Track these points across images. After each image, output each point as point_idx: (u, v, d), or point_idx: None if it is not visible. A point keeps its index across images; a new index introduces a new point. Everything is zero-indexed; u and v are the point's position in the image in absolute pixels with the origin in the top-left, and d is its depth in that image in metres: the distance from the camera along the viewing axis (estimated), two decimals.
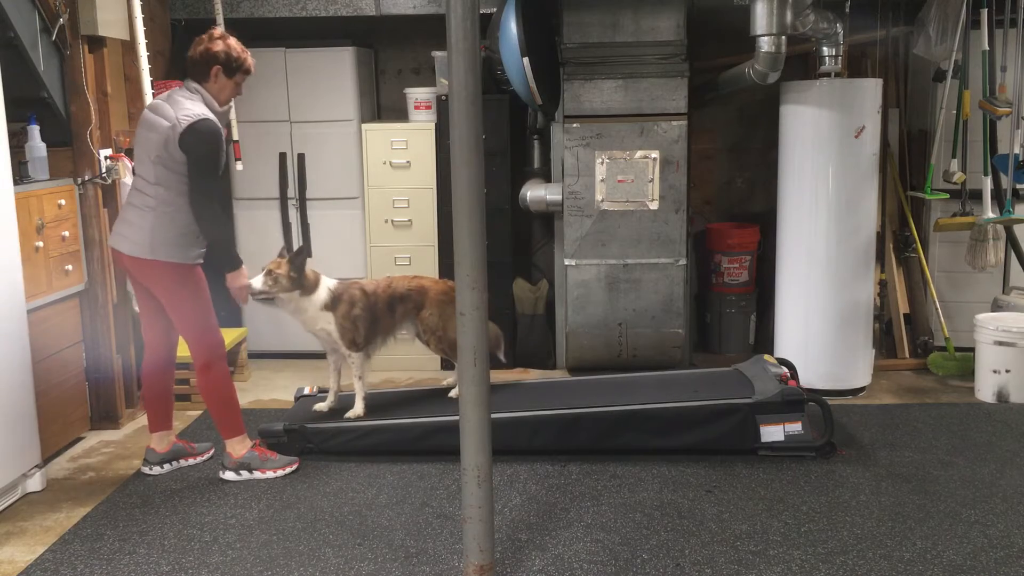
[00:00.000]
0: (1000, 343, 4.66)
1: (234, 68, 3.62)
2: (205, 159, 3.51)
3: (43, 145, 4.10)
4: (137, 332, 4.60)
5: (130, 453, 4.19)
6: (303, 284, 3.98)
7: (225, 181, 5.45)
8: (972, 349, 4.91)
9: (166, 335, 3.88)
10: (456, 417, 2.90)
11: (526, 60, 4.53)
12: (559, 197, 5.03)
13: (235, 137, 5.00)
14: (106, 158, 4.37)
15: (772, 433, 3.94)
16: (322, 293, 4.05)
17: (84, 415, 4.39)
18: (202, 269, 3.74)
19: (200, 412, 4.69)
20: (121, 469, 4.02)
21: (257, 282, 3.89)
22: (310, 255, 5.48)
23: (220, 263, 3.68)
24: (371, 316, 4.12)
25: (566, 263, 5.05)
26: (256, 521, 3.46)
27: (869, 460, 3.94)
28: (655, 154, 4.90)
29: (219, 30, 3.68)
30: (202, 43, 3.61)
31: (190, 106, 3.52)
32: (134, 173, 3.75)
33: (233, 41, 3.65)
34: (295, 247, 5.48)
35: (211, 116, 3.54)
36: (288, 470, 3.89)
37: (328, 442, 4.06)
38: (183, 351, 3.99)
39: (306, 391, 4.51)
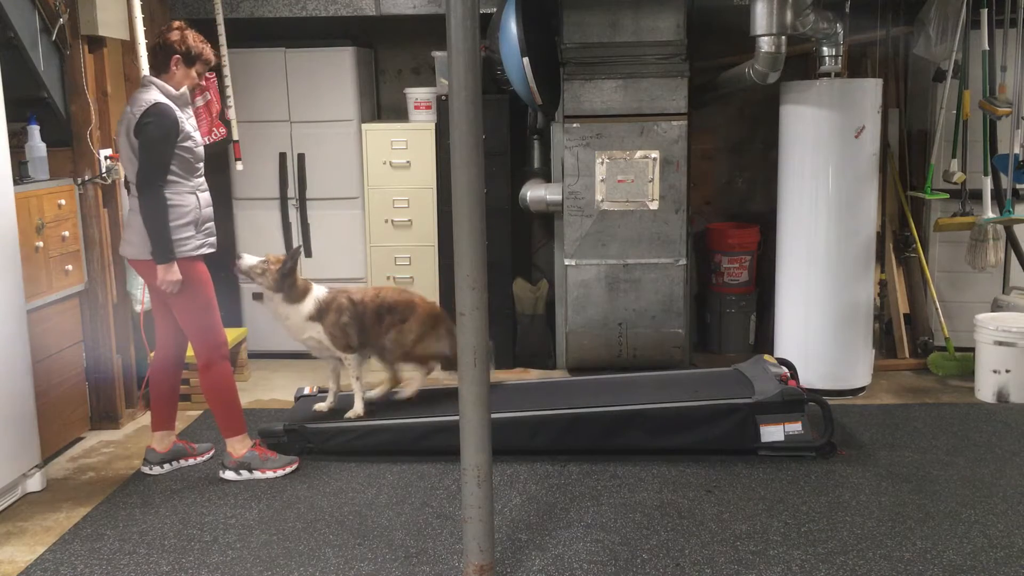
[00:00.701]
0: (1000, 343, 4.66)
1: (193, 58, 3.69)
2: (152, 139, 3.53)
3: (43, 145, 4.10)
4: (137, 332, 4.61)
5: (130, 453, 4.19)
6: (286, 290, 3.99)
7: (225, 181, 5.46)
8: (972, 349, 4.91)
9: (176, 336, 3.89)
10: (456, 417, 2.90)
11: (526, 60, 4.53)
12: (559, 197, 5.03)
13: (235, 137, 5.00)
14: (106, 158, 4.38)
15: (772, 433, 3.94)
16: (308, 304, 4.05)
17: (84, 415, 4.38)
18: (207, 269, 3.75)
19: (200, 412, 4.70)
20: (121, 469, 4.02)
21: (251, 259, 3.96)
22: (308, 255, 5.48)
23: (153, 252, 3.59)
24: (359, 324, 4.12)
25: (566, 263, 5.05)
26: (256, 521, 3.46)
27: (869, 460, 3.94)
28: (655, 154, 4.90)
29: (178, 23, 3.75)
30: (161, 35, 3.69)
31: (143, 96, 3.60)
32: (126, 179, 3.78)
33: (191, 32, 3.72)
34: (295, 247, 5.49)
35: (164, 100, 3.60)
36: (288, 470, 3.89)
37: (328, 442, 4.06)
38: (187, 352, 4.00)
39: (306, 391, 4.51)
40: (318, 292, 4.10)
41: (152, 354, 4.14)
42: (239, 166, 5.12)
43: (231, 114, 4.90)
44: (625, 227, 4.97)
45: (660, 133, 4.88)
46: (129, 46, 4.54)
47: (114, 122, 4.49)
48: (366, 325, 4.14)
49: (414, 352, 4.19)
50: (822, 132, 4.61)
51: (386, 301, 4.20)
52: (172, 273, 3.60)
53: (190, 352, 3.90)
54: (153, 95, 3.60)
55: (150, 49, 3.73)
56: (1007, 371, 4.66)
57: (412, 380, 4.28)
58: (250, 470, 3.84)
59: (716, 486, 3.70)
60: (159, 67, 3.68)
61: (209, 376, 3.77)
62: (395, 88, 5.77)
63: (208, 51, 3.75)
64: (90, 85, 4.28)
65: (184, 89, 3.71)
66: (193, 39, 3.69)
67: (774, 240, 4.98)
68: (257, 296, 5.61)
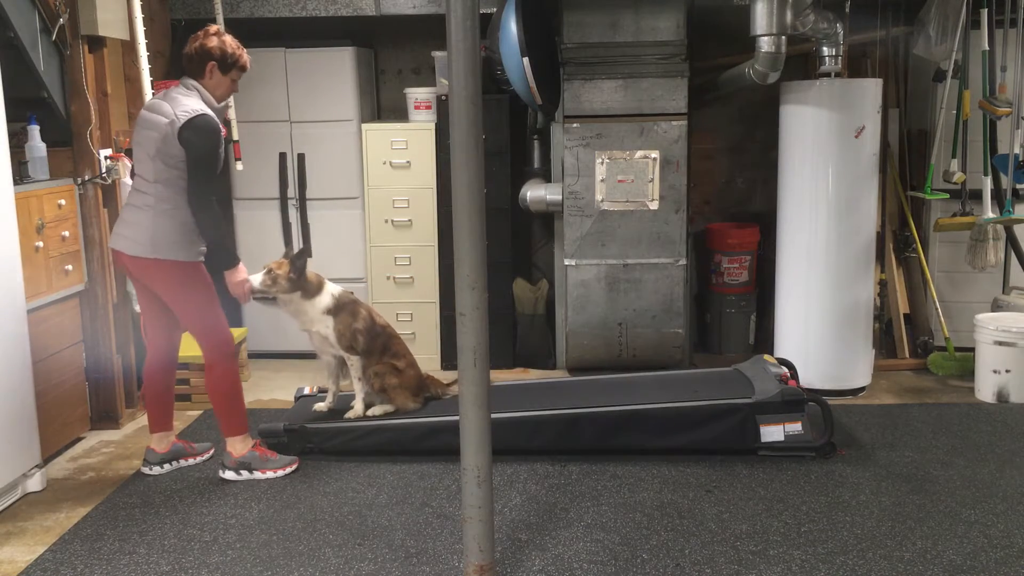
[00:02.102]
0: (1000, 343, 4.66)
1: (230, 64, 3.62)
2: (203, 155, 3.50)
3: (43, 145, 4.10)
4: (137, 332, 4.61)
5: (130, 453, 4.19)
6: (303, 287, 3.98)
7: (225, 181, 5.46)
8: (972, 349, 4.91)
9: (168, 335, 3.88)
10: (456, 417, 2.90)
11: (526, 60, 4.53)
12: (559, 197, 5.03)
13: (235, 137, 5.00)
14: (106, 158, 4.37)
15: (772, 433, 3.94)
16: (324, 299, 4.04)
17: (84, 415, 4.39)
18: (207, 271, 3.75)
19: (200, 412, 4.70)
20: (121, 469, 4.02)
21: (255, 280, 3.86)
22: (310, 255, 5.48)
23: (217, 261, 3.66)
24: (368, 340, 4.12)
25: (566, 263, 5.05)
26: (256, 521, 3.46)
27: (869, 460, 3.94)
28: (655, 154, 4.90)
29: (215, 27, 3.68)
30: (197, 39, 3.61)
31: (187, 102, 3.52)
32: (133, 173, 3.75)
33: (228, 38, 3.65)
34: (296, 248, 5.49)
35: (209, 112, 3.54)
36: (288, 470, 3.89)
37: (328, 442, 4.06)
38: (185, 351, 4.00)
39: (306, 391, 4.51)
40: (332, 288, 4.10)
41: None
42: (239, 166, 5.12)
43: (231, 114, 4.90)
44: (625, 227, 4.97)
45: (660, 133, 4.88)
46: (129, 46, 4.55)
47: (114, 122, 4.49)
48: (372, 348, 4.14)
49: (391, 392, 4.16)
50: (822, 132, 4.60)
51: (392, 347, 4.20)
52: (239, 274, 3.68)
53: (185, 352, 3.89)
54: (198, 104, 3.53)
55: (186, 54, 3.61)
56: (1007, 371, 4.66)
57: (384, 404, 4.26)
58: (250, 470, 3.84)
59: (716, 486, 3.70)
60: (194, 72, 3.60)
61: (214, 375, 3.76)
62: (395, 88, 5.78)
63: (245, 57, 3.67)
64: (90, 85, 4.28)
65: (227, 103, 3.66)
66: (231, 45, 3.62)
67: (774, 240, 4.98)
68: (258, 296, 5.62)
